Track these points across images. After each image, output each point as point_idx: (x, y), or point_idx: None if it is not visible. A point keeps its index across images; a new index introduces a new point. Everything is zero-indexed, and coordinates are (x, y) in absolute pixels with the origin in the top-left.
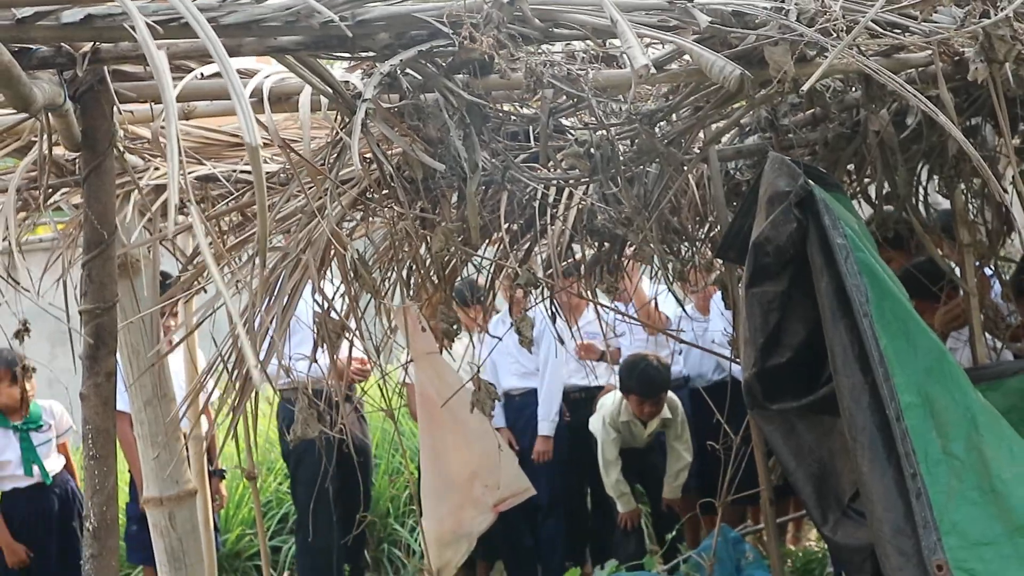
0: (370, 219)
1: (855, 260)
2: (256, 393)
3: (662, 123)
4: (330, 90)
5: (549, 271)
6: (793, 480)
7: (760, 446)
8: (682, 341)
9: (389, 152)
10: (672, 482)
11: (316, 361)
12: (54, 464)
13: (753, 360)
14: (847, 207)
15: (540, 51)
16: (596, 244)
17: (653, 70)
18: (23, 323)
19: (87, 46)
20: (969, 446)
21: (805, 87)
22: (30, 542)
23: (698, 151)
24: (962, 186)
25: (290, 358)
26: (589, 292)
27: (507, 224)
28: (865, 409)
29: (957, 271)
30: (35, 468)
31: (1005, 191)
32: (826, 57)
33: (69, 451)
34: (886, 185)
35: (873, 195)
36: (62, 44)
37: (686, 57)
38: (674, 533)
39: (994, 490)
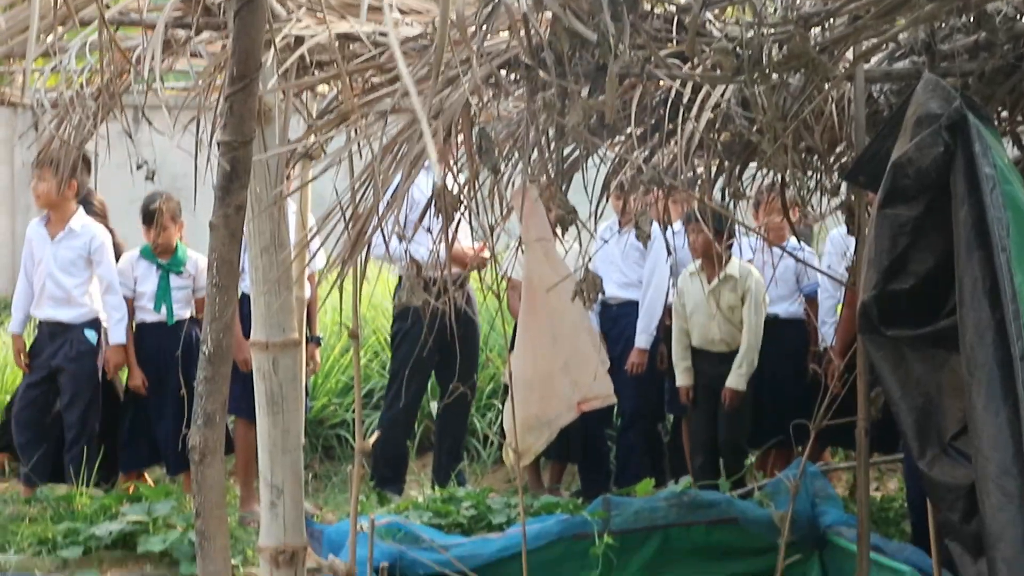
0: (499, 99)
1: (1001, 192)
2: (365, 252)
3: (816, 30)
4: None
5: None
6: (896, 410)
7: (864, 374)
8: (801, 261)
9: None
10: (737, 369)
11: (430, 231)
12: (182, 310)
13: (875, 282)
14: (998, 141)
15: None
16: (718, 159)
17: None
18: (145, 164)
19: None
20: None
21: None
22: (148, 376)
23: (846, 68)
24: None
25: (403, 225)
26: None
27: (635, 125)
28: (988, 345)
29: None
30: (164, 307)
31: None
32: None
33: None
34: None
35: None
36: None
37: None
38: (752, 460)
39: None
